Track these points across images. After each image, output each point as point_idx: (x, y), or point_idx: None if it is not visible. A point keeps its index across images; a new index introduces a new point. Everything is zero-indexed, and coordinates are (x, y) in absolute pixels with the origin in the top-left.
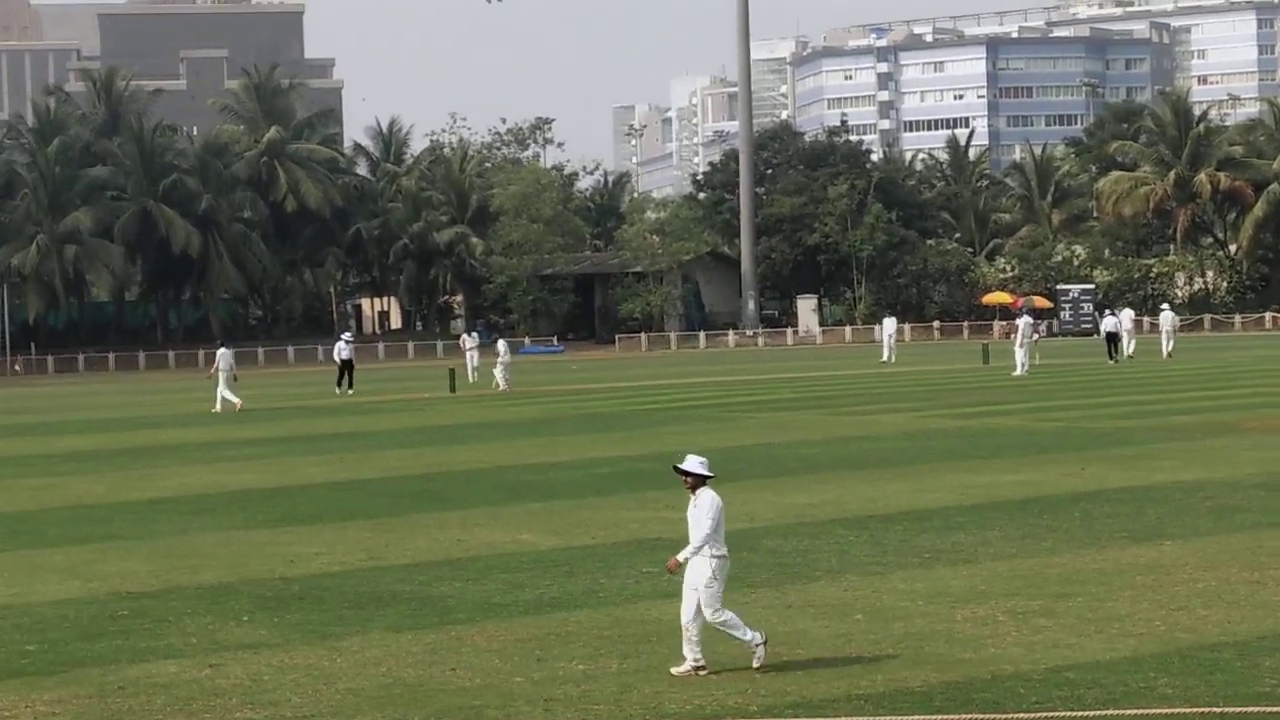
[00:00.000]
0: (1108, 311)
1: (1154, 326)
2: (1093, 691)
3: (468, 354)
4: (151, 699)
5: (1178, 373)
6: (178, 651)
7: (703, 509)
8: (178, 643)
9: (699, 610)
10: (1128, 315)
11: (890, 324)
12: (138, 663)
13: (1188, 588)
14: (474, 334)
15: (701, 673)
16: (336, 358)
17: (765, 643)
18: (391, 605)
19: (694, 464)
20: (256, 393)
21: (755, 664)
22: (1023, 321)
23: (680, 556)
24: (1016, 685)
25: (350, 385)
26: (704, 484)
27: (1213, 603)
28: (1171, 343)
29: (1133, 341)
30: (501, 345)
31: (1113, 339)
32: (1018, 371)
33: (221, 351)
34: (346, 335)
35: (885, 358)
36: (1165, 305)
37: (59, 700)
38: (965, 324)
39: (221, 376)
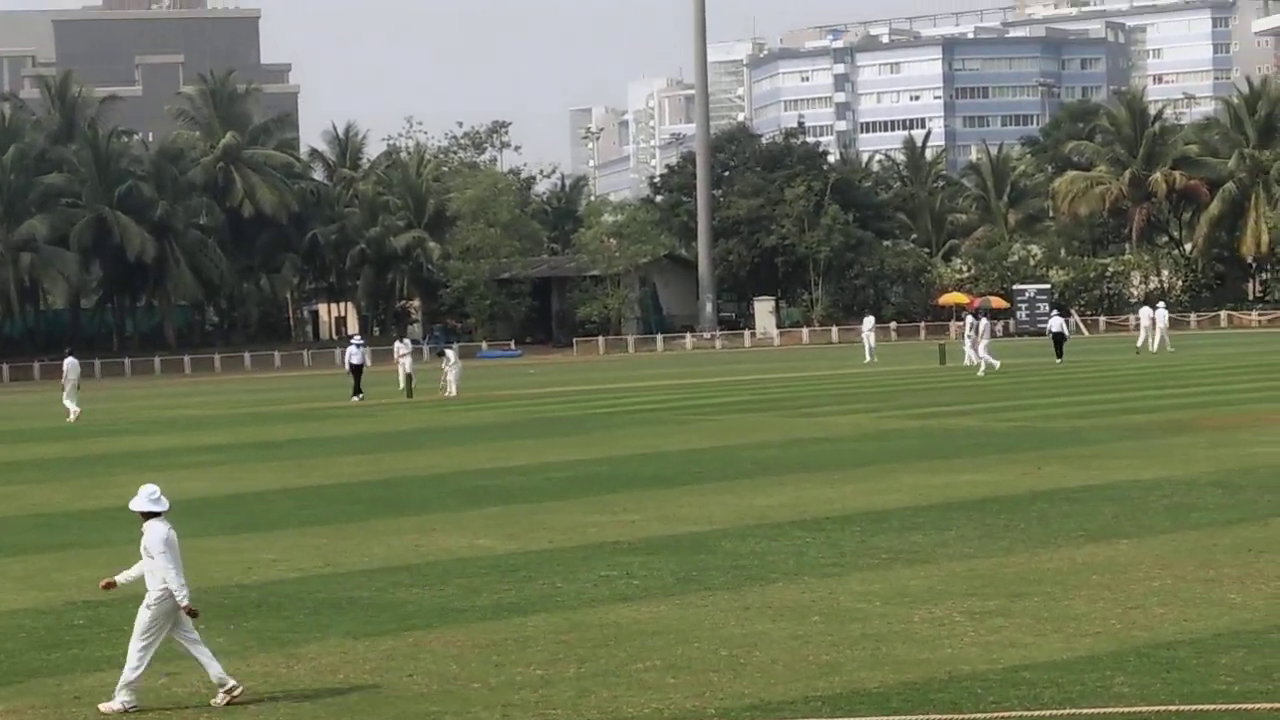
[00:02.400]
0: (1054, 312)
1: (1110, 325)
2: (1050, 691)
3: (399, 361)
4: None
5: (1133, 372)
6: None
7: (151, 544)
8: None
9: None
10: (1163, 314)
11: (869, 323)
12: (94, 672)
13: (1144, 586)
14: (406, 340)
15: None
16: (347, 363)
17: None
18: (349, 611)
19: (140, 501)
20: (213, 399)
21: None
22: (983, 323)
23: (161, 597)
24: (974, 685)
25: (357, 391)
26: (154, 518)
27: (1169, 601)
28: (1166, 338)
29: (1164, 335)
30: (450, 352)
31: (1059, 339)
32: (981, 371)
33: (69, 362)
34: (357, 339)
35: (868, 359)
36: (1161, 303)
37: (14, 711)
38: (922, 324)
39: (68, 385)
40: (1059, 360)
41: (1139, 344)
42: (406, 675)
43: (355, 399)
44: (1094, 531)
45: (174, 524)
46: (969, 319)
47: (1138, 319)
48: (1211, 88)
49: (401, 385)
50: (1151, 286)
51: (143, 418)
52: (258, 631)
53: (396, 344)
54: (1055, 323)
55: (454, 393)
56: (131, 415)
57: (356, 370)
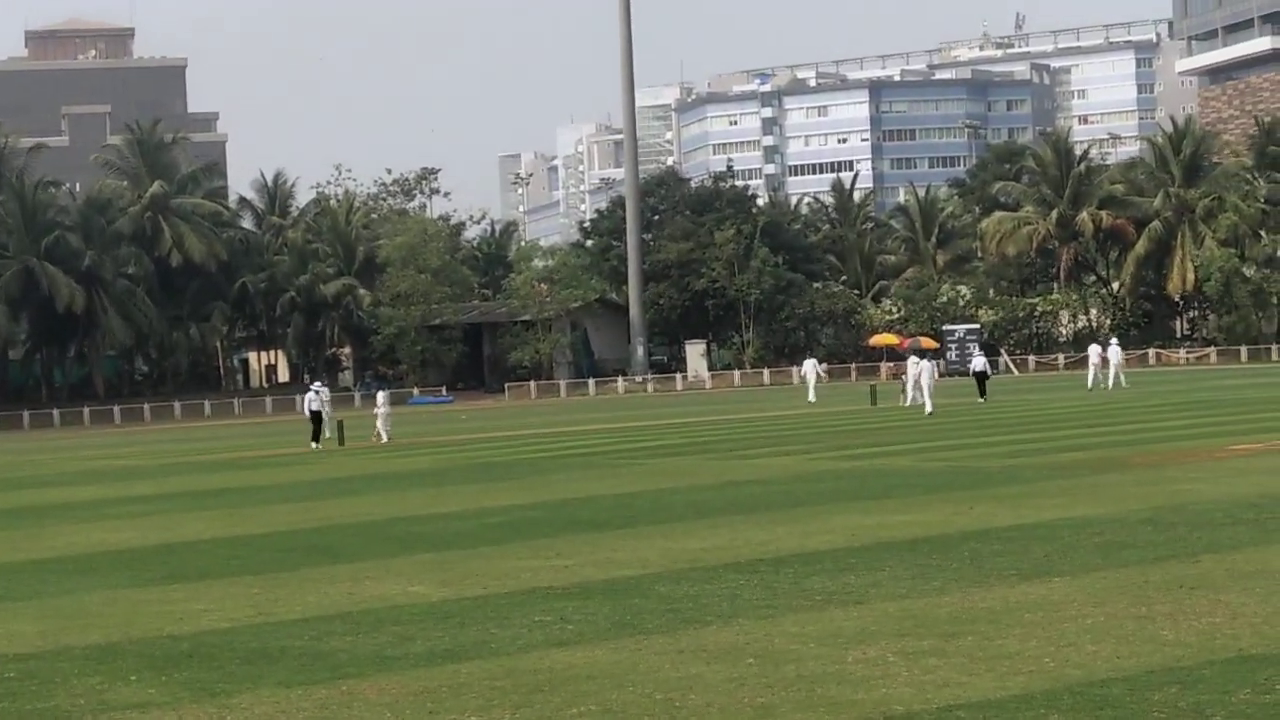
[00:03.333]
0: (977, 351)
1: (1039, 364)
2: None
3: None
4: None
5: (1062, 410)
6: (65, 713)
7: None
8: (65, 704)
9: None
10: (1116, 350)
11: (810, 365)
12: None
13: (1076, 624)
14: (315, 386)
15: None
16: (306, 409)
17: None
18: (282, 661)
19: None
20: (143, 449)
21: None
22: (924, 364)
23: None
24: None
25: (316, 438)
26: None
27: (1101, 639)
28: (1121, 375)
29: (1121, 374)
30: (381, 396)
31: (981, 378)
32: (929, 409)
33: None
34: (316, 385)
35: (812, 398)
36: (1114, 339)
37: None
38: (853, 366)
39: None
40: (981, 400)
41: (1090, 384)
42: None
43: (314, 445)
44: (1026, 570)
45: (106, 576)
46: (912, 359)
47: (1087, 356)
48: (1136, 127)
49: (328, 434)
50: (1080, 325)
51: (72, 469)
52: (189, 682)
53: (309, 393)
54: (978, 362)
55: (385, 439)
56: (61, 466)
57: (315, 416)
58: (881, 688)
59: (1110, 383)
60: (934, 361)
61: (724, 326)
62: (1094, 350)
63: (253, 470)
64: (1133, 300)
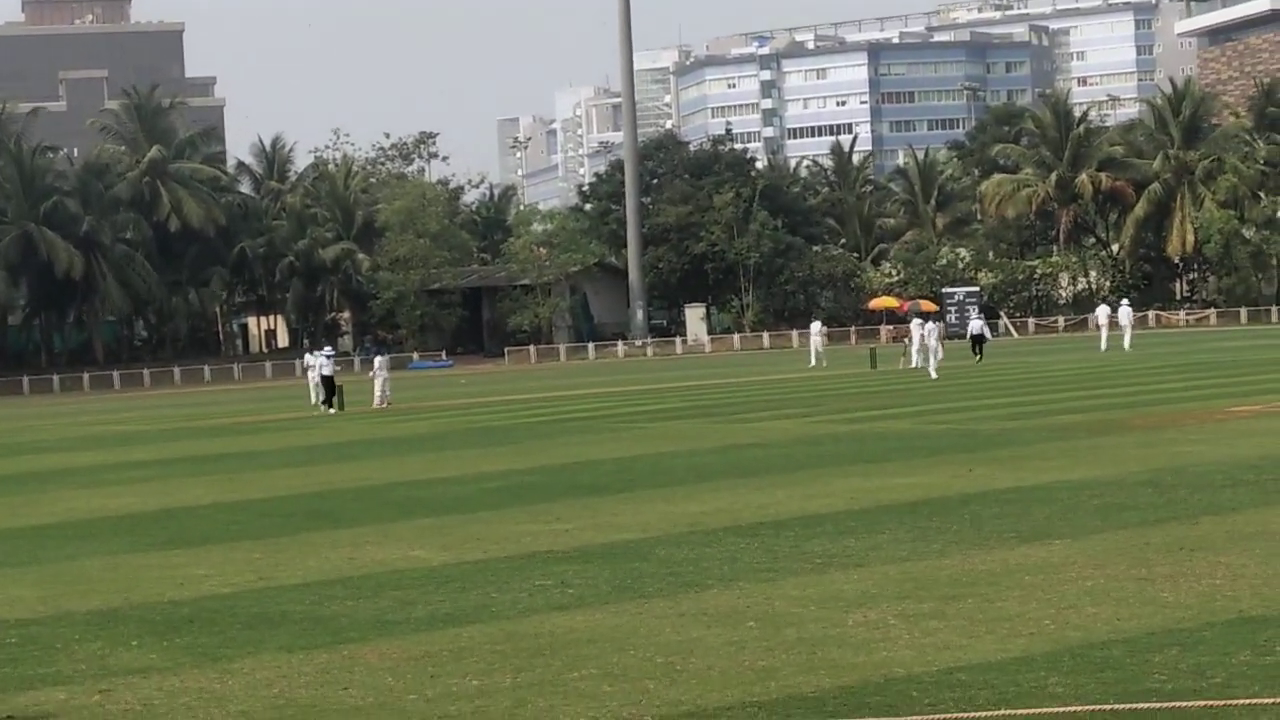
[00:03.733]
0: (975, 314)
1: (1039, 326)
2: (984, 692)
3: (310, 373)
4: None
5: (1062, 373)
6: (67, 678)
7: None
8: (67, 669)
9: None
10: (1127, 311)
11: (817, 327)
12: (26, 690)
13: (1076, 586)
14: (314, 353)
15: None
16: (317, 374)
17: None
18: (283, 626)
19: None
20: (143, 415)
21: None
22: (929, 326)
23: None
24: (909, 688)
25: (328, 402)
26: None
27: (1101, 601)
28: (1129, 336)
29: (1129, 334)
30: (378, 361)
31: (978, 340)
32: (934, 375)
33: None
34: (328, 350)
35: (814, 362)
36: (1125, 301)
37: None
38: (853, 329)
39: None
40: (977, 359)
41: (1103, 345)
42: (342, 689)
43: (329, 410)
44: (1026, 533)
45: (107, 541)
46: (916, 321)
47: (1095, 319)
48: (1136, 89)
49: (313, 399)
50: (1079, 288)
51: (72, 434)
52: (190, 647)
53: (306, 356)
54: (975, 324)
55: (380, 404)
56: (61, 432)
57: (328, 381)
58: (882, 650)
59: (1127, 343)
60: (920, 323)
61: (723, 290)
62: (1102, 311)
63: (252, 435)
64: (1132, 262)
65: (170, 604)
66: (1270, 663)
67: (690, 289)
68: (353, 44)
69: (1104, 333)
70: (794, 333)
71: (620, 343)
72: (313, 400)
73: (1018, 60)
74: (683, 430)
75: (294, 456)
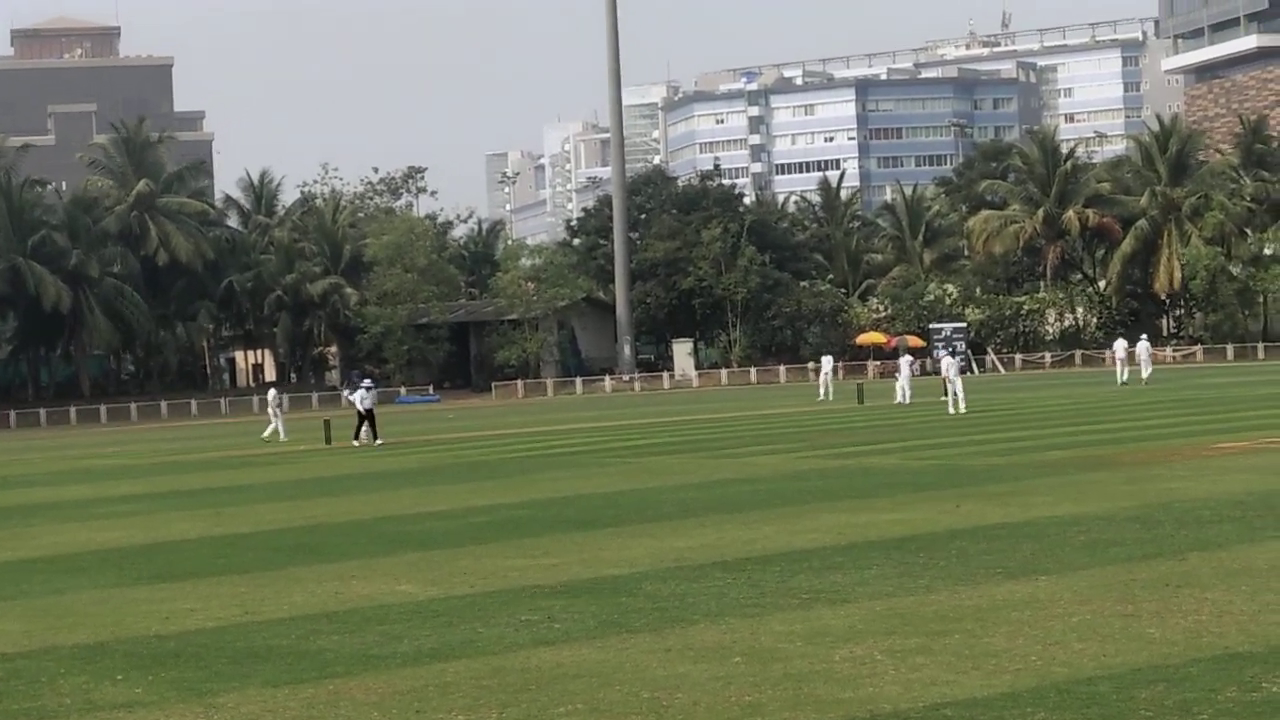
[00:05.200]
0: (944, 353)
1: (1026, 363)
2: None
3: (272, 410)
4: None
5: (1049, 408)
6: (52, 713)
7: None
8: (52, 703)
9: None
10: (1145, 345)
11: (827, 362)
12: None
13: (1063, 622)
14: (365, 383)
15: None
16: (360, 405)
17: None
18: (268, 660)
19: None
20: (130, 449)
21: None
22: (948, 360)
23: None
24: None
25: (375, 435)
26: None
27: (1088, 636)
28: (1149, 369)
29: (1147, 367)
30: (359, 394)
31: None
32: (906, 401)
33: None
34: (367, 382)
35: (822, 395)
36: (1143, 336)
37: None
38: (840, 364)
39: None
40: (945, 397)
41: (1121, 378)
42: None
43: (375, 442)
44: (1013, 568)
45: (93, 575)
46: (905, 358)
47: (1112, 353)
48: (1123, 126)
49: (266, 434)
50: (1066, 324)
51: (59, 468)
52: (176, 682)
53: (271, 393)
54: (946, 362)
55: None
56: (47, 466)
57: (368, 413)
58: (869, 686)
59: (1145, 375)
60: (911, 360)
61: (711, 325)
62: (1120, 345)
63: (239, 469)
64: (1119, 299)
65: (156, 638)
66: (1257, 699)
67: (678, 324)
68: (341, 79)
69: (1122, 366)
70: (781, 368)
71: (608, 377)
72: (265, 435)
73: (1005, 97)
74: (669, 465)
75: (281, 491)
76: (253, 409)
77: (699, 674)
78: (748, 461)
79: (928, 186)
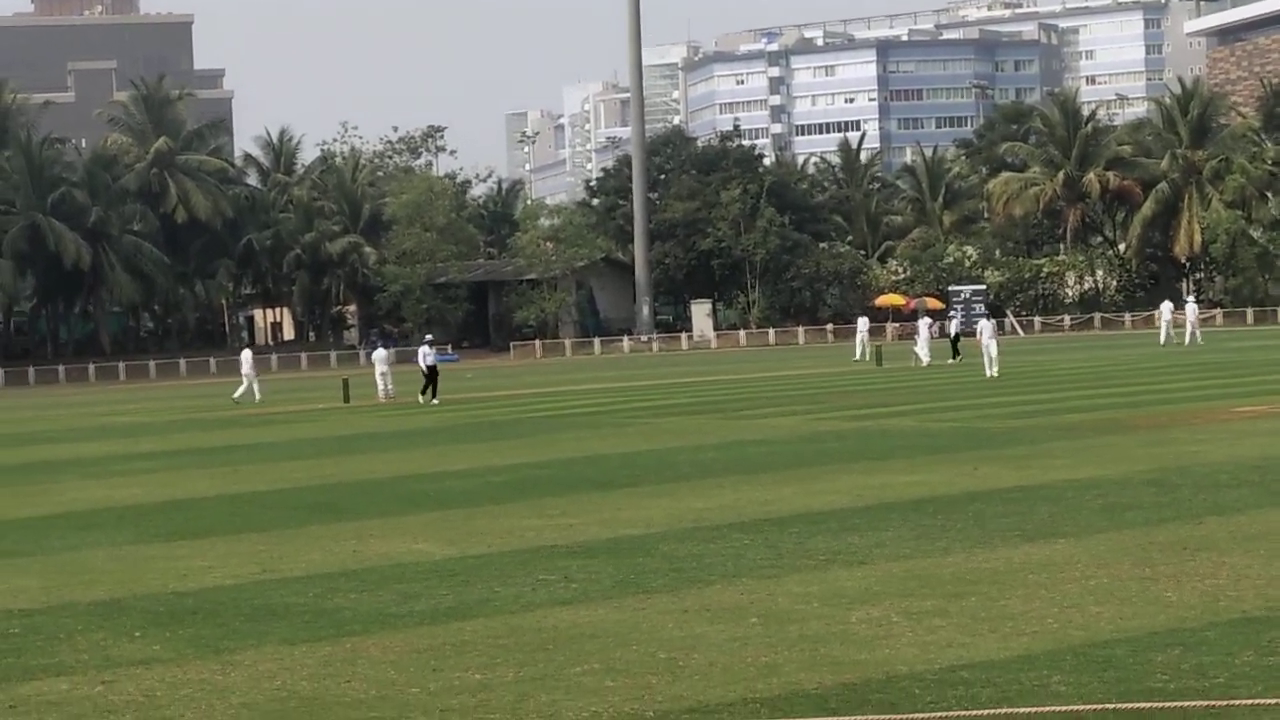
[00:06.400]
0: (951, 314)
1: (1045, 325)
2: (987, 690)
3: (246, 371)
4: (43, 717)
5: (1068, 371)
6: (70, 668)
7: None
8: (70, 660)
9: None
10: (1193, 308)
11: (864, 323)
12: (29, 680)
13: (1080, 585)
14: (428, 337)
15: None
16: (422, 364)
17: None
18: (286, 618)
19: None
20: (148, 406)
21: None
22: (983, 324)
23: None
24: (911, 685)
25: (435, 394)
26: None
27: (1105, 600)
28: (1198, 332)
29: (1195, 329)
30: (378, 354)
31: (955, 339)
32: (924, 363)
33: None
34: (429, 338)
35: (858, 355)
36: (1190, 298)
37: None
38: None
39: None
40: (952, 360)
41: (1162, 340)
42: (344, 681)
43: (421, 399)
44: (1030, 531)
45: (111, 532)
46: (924, 320)
47: (1158, 314)
48: (1144, 88)
49: (238, 394)
50: (1086, 287)
51: (77, 425)
52: (193, 639)
53: (245, 352)
54: (955, 325)
55: (382, 399)
56: (66, 423)
57: (432, 372)
58: (885, 648)
59: (1188, 339)
60: (930, 323)
61: (729, 286)
62: (1166, 307)
63: (258, 428)
64: (1139, 262)
65: (173, 595)
66: (1273, 663)
67: (696, 285)
68: (361, 37)
69: (1164, 328)
70: (800, 329)
71: (626, 338)
72: (236, 394)
73: (1026, 59)
74: (687, 426)
75: (299, 449)
76: (271, 367)
77: (715, 634)
78: (765, 423)
79: (948, 148)
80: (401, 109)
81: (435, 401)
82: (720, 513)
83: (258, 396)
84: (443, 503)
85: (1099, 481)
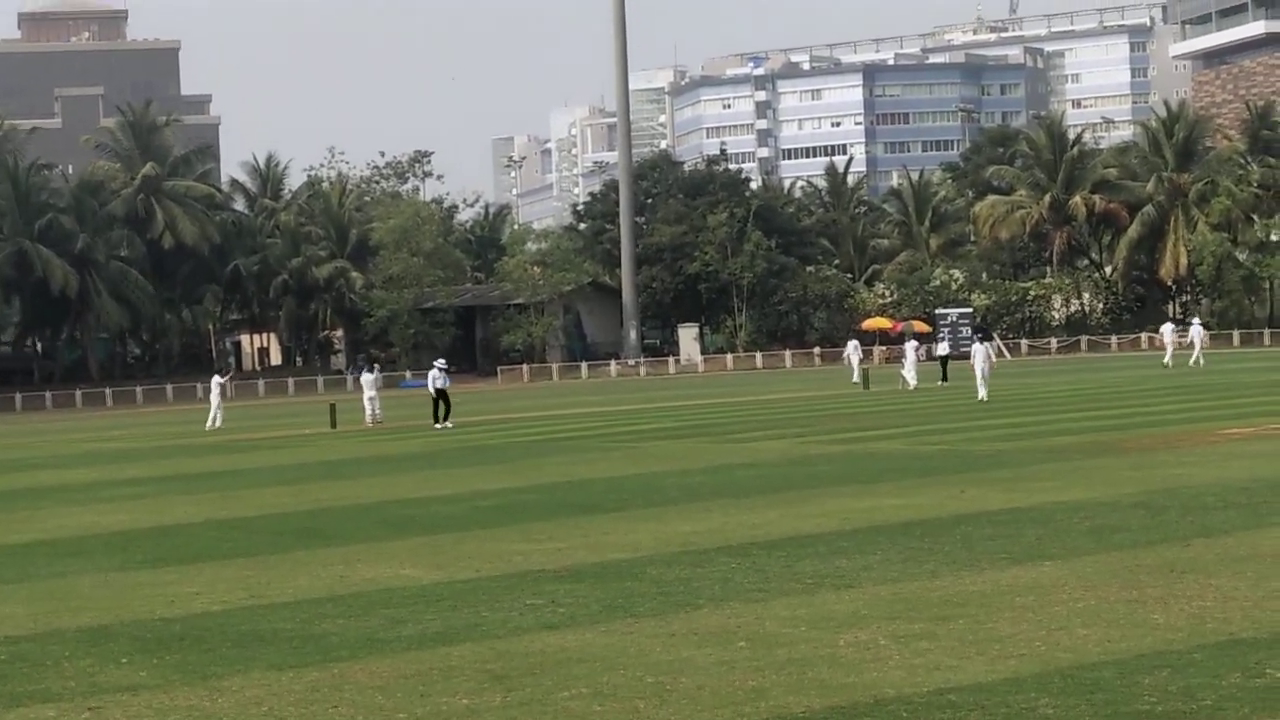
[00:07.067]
0: (940, 337)
1: (1032, 348)
2: (975, 713)
3: (214, 397)
4: None
5: (1055, 394)
6: (56, 695)
7: None
8: (56, 686)
9: None
10: (1198, 330)
11: (853, 346)
12: (15, 707)
13: (1067, 608)
14: (439, 364)
15: None
16: (431, 387)
17: None
18: (273, 644)
19: None
20: (136, 432)
21: None
22: (978, 348)
23: None
24: (899, 708)
25: (447, 417)
26: None
27: (1092, 622)
28: (1201, 356)
29: (1197, 352)
30: (366, 379)
31: (944, 361)
32: (911, 387)
33: None
34: (440, 362)
35: (855, 378)
36: (1196, 319)
37: None
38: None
39: None
40: (941, 383)
41: (1167, 360)
42: (331, 707)
43: (446, 425)
44: (1018, 554)
45: (97, 558)
46: (911, 344)
47: (1160, 336)
48: (1130, 112)
49: (216, 424)
50: (1072, 310)
51: (64, 451)
52: (180, 665)
53: (215, 379)
54: (943, 347)
55: (371, 423)
56: (53, 449)
57: (441, 395)
58: (873, 671)
59: (1193, 360)
60: (916, 345)
61: (717, 310)
62: (1167, 329)
63: (244, 453)
64: (1125, 284)
65: (161, 621)
66: (1260, 685)
67: (683, 309)
68: (348, 64)
69: (1170, 349)
70: (787, 353)
71: (613, 362)
72: (215, 425)
73: (1012, 82)
74: (675, 450)
75: (286, 474)
76: (258, 393)
77: (703, 658)
78: (753, 446)
79: (934, 171)
80: (388, 134)
81: (449, 425)
82: (708, 536)
83: (218, 423)
84: (430, 528)
85: (1086, 504)
